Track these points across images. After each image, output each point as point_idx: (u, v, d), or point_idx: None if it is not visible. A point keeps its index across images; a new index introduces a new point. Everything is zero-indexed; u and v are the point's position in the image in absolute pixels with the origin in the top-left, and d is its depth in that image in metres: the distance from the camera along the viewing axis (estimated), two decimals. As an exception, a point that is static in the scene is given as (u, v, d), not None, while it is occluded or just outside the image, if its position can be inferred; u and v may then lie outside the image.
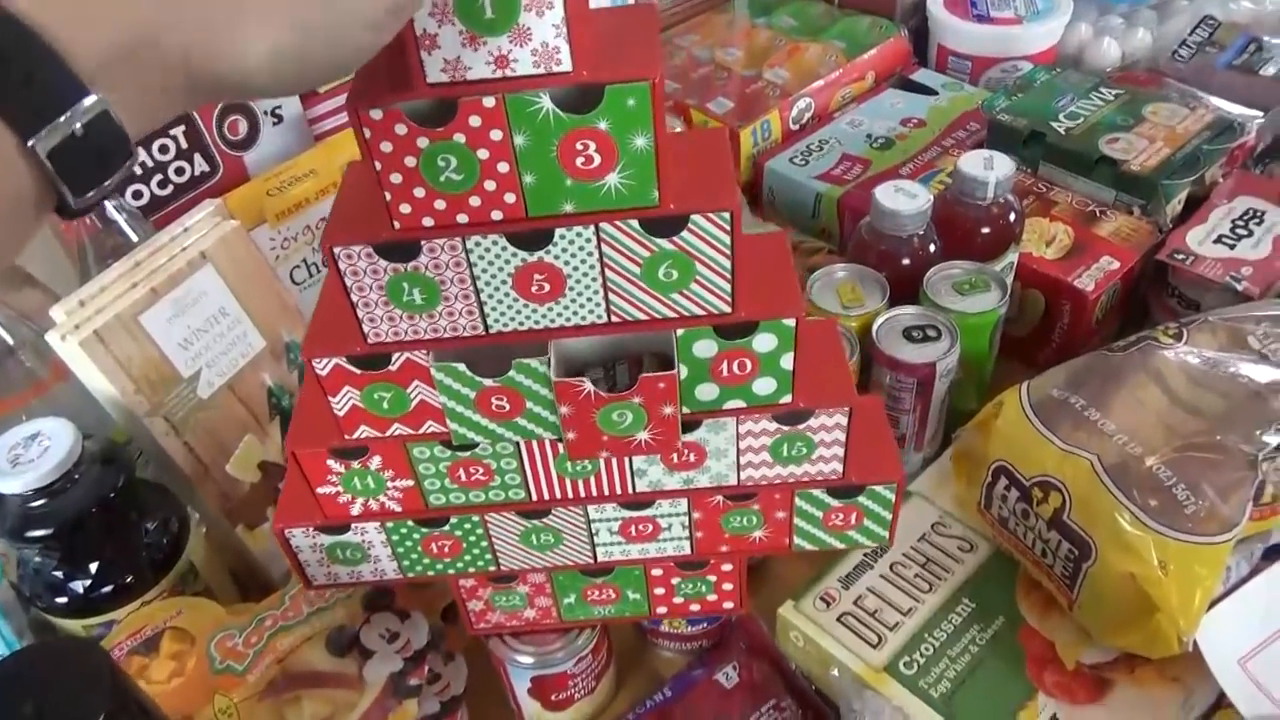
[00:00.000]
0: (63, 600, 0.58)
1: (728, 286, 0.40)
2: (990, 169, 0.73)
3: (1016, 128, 0.89)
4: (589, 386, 0.41)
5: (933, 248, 0.73)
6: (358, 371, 0.43)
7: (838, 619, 0.60)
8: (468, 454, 0.47)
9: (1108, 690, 0.55)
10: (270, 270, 0.71)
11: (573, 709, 0.62)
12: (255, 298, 0.69)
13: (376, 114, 0.35)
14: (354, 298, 0.40)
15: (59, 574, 0.57)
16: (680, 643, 0.65)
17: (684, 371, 0.43)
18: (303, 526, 0.50)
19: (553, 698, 0.61)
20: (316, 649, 0.57)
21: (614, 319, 0.41)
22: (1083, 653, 0.57)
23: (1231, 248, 0.78)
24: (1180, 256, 0.78)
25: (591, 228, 0.38)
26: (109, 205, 0.69)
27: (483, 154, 0.36)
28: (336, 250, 0.38)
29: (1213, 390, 0.59)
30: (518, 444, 0.46)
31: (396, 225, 0.38)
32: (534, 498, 0.49)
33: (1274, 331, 0.62)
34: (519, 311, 0.41)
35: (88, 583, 0.58)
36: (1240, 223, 0.80)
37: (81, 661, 0.41)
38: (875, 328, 0.68)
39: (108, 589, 0.58)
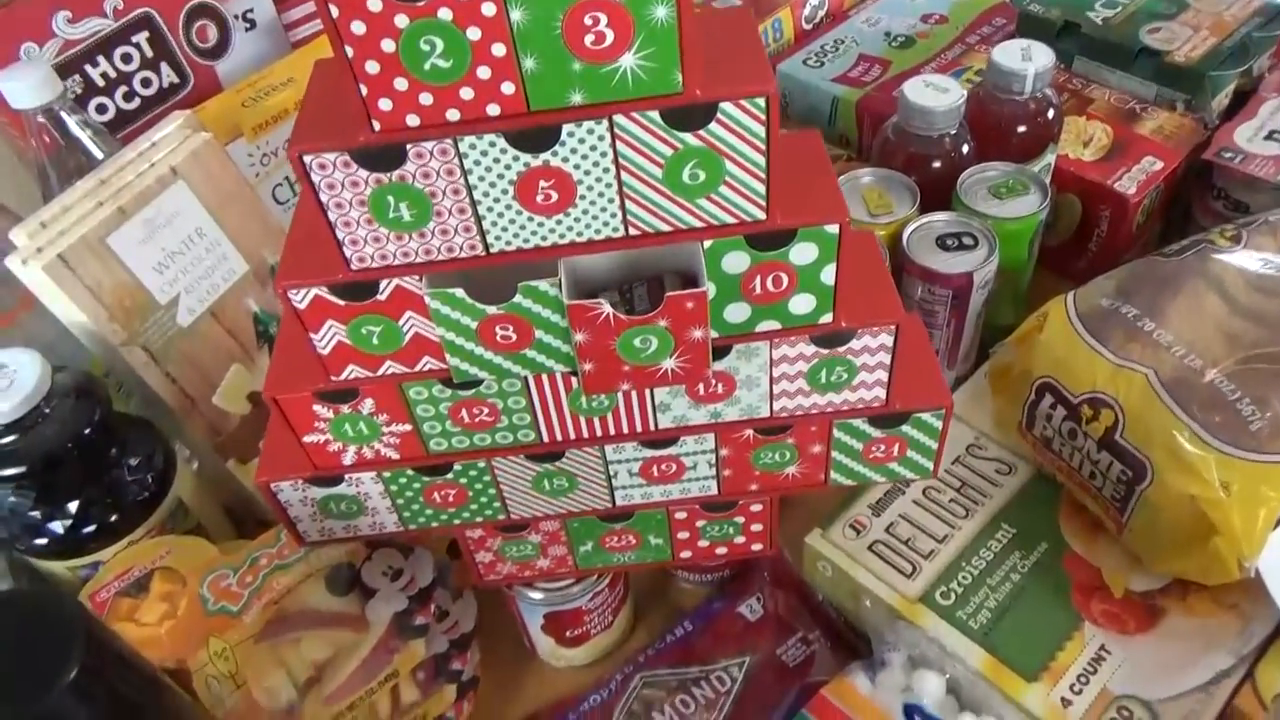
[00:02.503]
0: (42, 541, 0.54)
1: (762, 189, 0.35)
2: (1028, 60, 0.67)
3: (1049, 19, 0.82)
4: (607, 309, 0.36)
5: (965, 149, 0.68)
6: (341, 303, 0.38)
7: (868, 547, 0.57)
8: (470, 393, 0.42)
9: (1159, 619, 0.52)
10: (249, 187, 0.65)
11: (589, 644, 0.59)
12: (234, 217, 0.63)
13: (347, -11, 0.29)
14: (332, 216, 0.35)
15: (36, 514, 0.54)
16: (701, 574, 0.62)
17: (712, 290, 0.38)
18: (290, 479, 0.46)
19: (567, 634, 0.58)
20: (315, 588, 0.54)
21: (632, 231, 0.36)
22: (1132, 580, 0.54)
23: (1284, 143, 0.72)
24: (1228, 155, 0.72)
25: (604, 122, 0.33)
26: (72, 121, 0.63)
27: (474, 33, 0.30)
28: (307, 159, 0.33)
29: (1277, 295, 0.54)
30: (526, 379, 0.41)
31: (376, 126, 0.33)
32: (545, 439, 0.45)
33: (1342, 231, 0.57)
34: (523, 227, 0.36)
35: (68, 523, 0.54)
36: (1294, 116, 0.74)
37: (53, 612, 0.38)
38: (905, 237, 0.63)
39: (90, 529, 0.55)
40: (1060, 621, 0.52)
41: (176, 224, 0.60)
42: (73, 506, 0.54)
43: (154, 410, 0.62)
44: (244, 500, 0.67)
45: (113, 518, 0.56)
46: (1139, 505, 0.51)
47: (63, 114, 0.62)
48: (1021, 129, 0.69)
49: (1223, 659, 0.50)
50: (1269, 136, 0.73)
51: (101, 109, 0.70)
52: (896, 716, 0.50)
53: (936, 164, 0.67)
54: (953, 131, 0.67)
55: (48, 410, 0.52)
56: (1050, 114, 0.69)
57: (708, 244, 0.37)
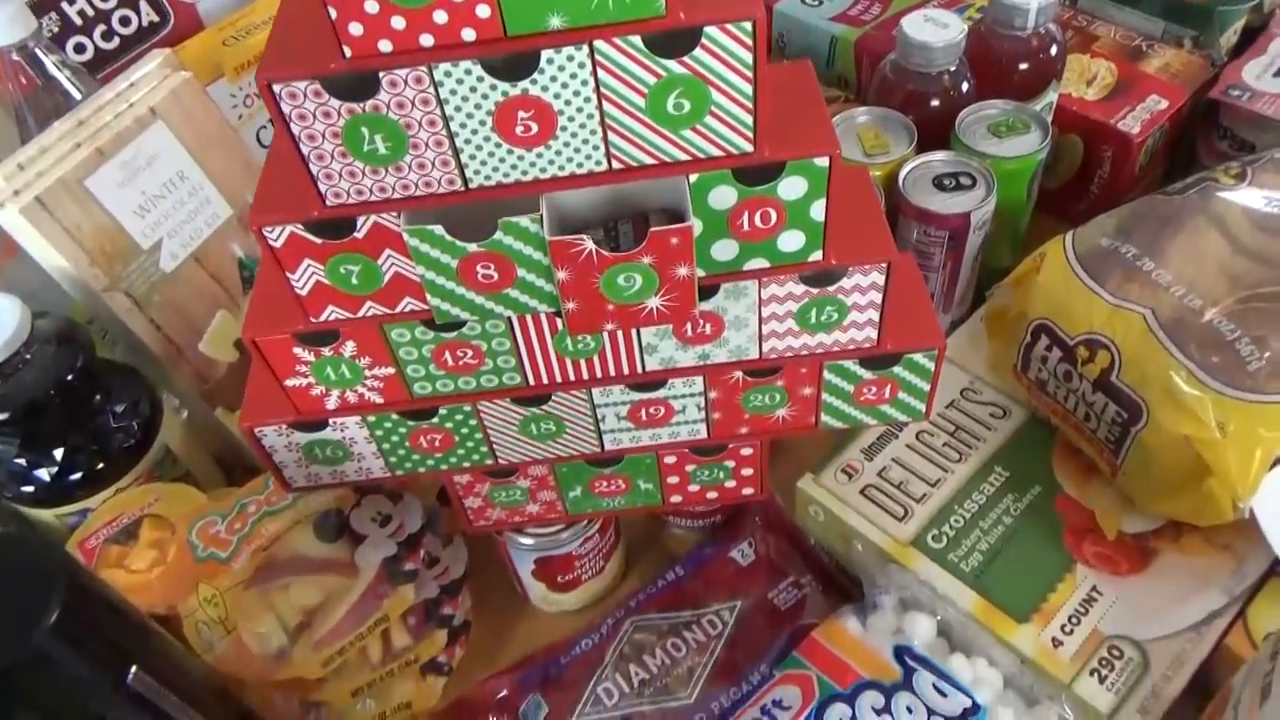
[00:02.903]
0: (29, 489, 0.54)
1: (749, 120, 0.34)
2: (1031, -7, 0.65)
3: (1054, -48, 0.80)
4: (590, 245, 0.35)
5: (965, 87, 0.66)
6: (318, 241, 0.37)
7: (860, 491, 0.56)
8: (454, 334, 0.41)
9: (1152, 560, 0.52)
10: (231, 129, 0.64)
11: (580, 589, 0.59)
12: (216, 160, 0.62)
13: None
14: (304, 149, 0.34)
15: (21, 461, 0.53)
16: (692, 520, 0.61)
17: (699, 226, 0.37)
18: (273, 424, 0.45)
19: (558, 579, 0.58)
20: (305, 535, 0.54)
21: (615, 165, 0.35)
22: (1125, 521, 0.53)
23: (1292, 81, 0.70)
24: (1236, 93, 0.70)
25: (584, 48, 0.32)
26: (49, 61, 0.61)
27: (447, -47, 0.29)
28: (276, 88, 0.32)
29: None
30: (510, 320, 0.41)
31: (347, 52, 0.31)
32: (531, 382, 0.44)
33: (1348, 169, 0.55)
34: (503, 160, 0.35)
35: (54, 470, 0.54)
36: (1304, 52, 0.72)
37: (34, 556, 0.37)
38: (902, 177, 0.62)
39: (76, 476, 0.54)
40: (1052, 564, 0.52)
41: (157, 166, 0.59)
42: (58, 454, 0.54)
43: (139, 358, 0.61)
44: (233, 448, 0.66)
45: (99, 465, 0.55)
46: (1133, 447, 0.51)
47: (39, 53, 0.60)
48: (1023, 66, 0.67)
49: (1215, 599, 0.50)
50: (1278, 73, 0.71)
51: (80, 48, 0.69)
52: (887, 658, 0.50)
53: (935, 102, 0.65)
54: (952, 68, 0.65)
55: (28, 356, 0.52)
56: (1053, 51, 0.67)
57: (693, 178, 0.36)
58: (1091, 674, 0.48)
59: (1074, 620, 0.50)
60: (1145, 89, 0.73)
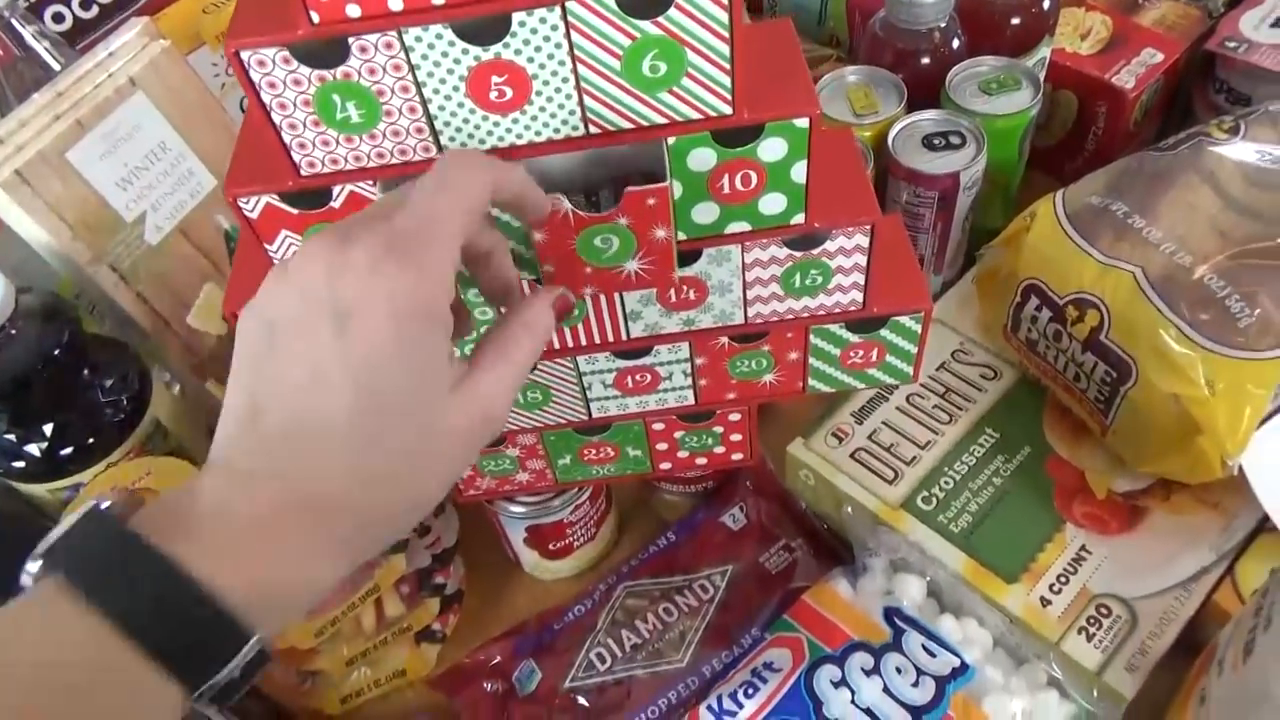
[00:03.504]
0: (20, 464, 0.54)
1: (727, 81, 0.33)
2: (1023, -53, 0.63)
3: (1049, -97, 0.78)
4: (566, 205, 0.35)
5: (956, 43, 0.65)
6: (294, 211, 0.37)
7: (851, 455, 0.56)
8: None
9: (1141, 519, 0.52)
10: (213, 99, 0.63)
11: (573, 557, 0.59)
12: (199, 130, 0.61)
13: None
14: (276, 118, 0.33)
15: (11, 437, 0.53)
16: (683, 485, 0.61)
17: (678, 189, 0.37)
18: None
19: (550, 546, 0.58)
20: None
21: (592, 129, 0.35)
22: (1115, 481, 0.53)
23: (1289, 32, 0.69)
24: (1232, 45, 0.69)
25: (556, 10, 0.31)
26: (27, 32, 0.61)
27: (412, -87, 0.28)
28: (244, 55, 0.31)
29: (1272, 189, 0.52)
30: None
31: (315, 18, 0.31)
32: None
33: (1343, 122, 0.55)
34: (477, 126, 0.34)
35: (44, 445, 0.54)
36: (1302, 2, 0.71)
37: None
38: (891, 137, 0.61)
39: (67, 451, 0.54)
40: (1041, 524, 0.52)
41: (138, 138, 0.58)
42: (47, 429, 0.54)
43: (128, 332, 0.61)
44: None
45: (89, 440, 0.55)
46: (1123, 406, 0.51)
47: (15, 23, 0.59)
48: (1015, 21, 0.66)
49: (1204, 556, 0.50)
50: (1276, 24, 0.70)
51: (58, 18, 0.68)
52: (877, 620, 0.50)
53: (925, 60, 0.64)
54: (942, 25, 0.64)
55: (13, 331, 0.51)
56: (1046, 5, 0.66)
57: (671, 140, 0.35)
58: (1079, 632, 0.48)
59: (1062, 579, 0.50)
60: (1140, 42, 0.71)
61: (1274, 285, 0.49)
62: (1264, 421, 0.49)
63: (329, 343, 0.29)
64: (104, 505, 0.28)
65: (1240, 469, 0.48)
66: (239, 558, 0.28)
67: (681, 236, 0.39)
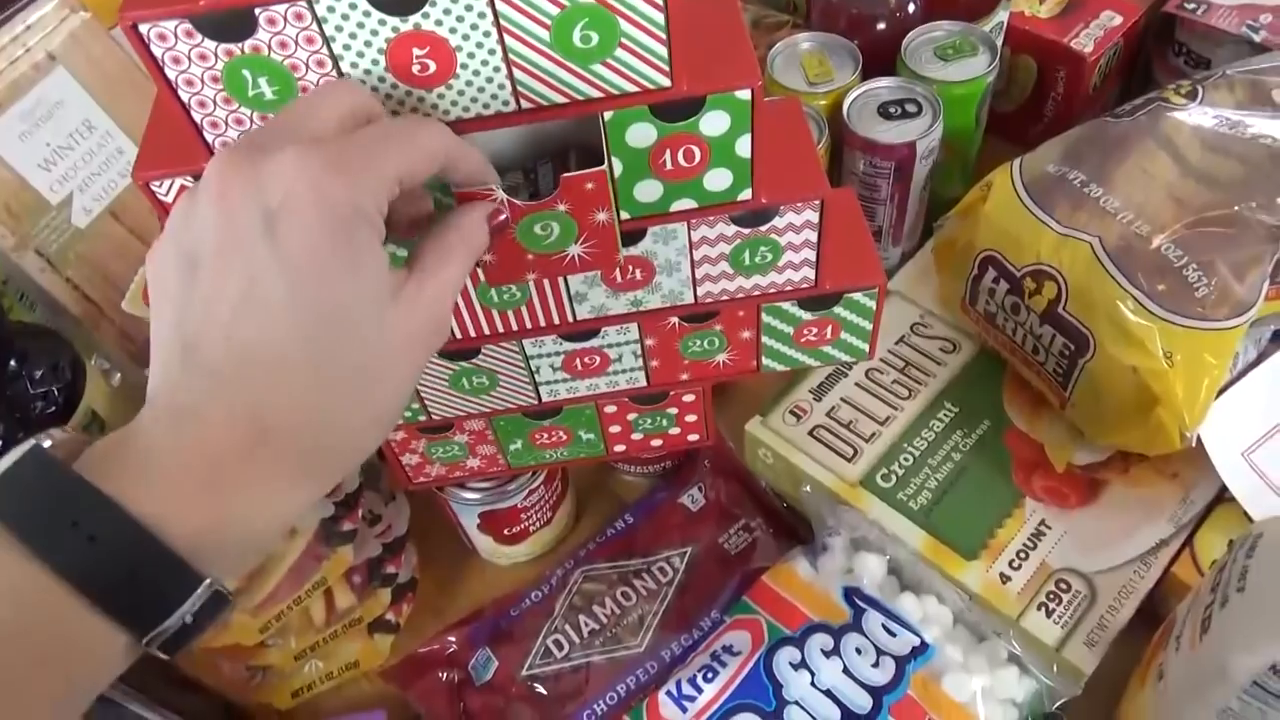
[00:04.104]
0: (-54, 463, 0.52)
1: (664, 51, 0.32)
2: (980, -93, 0.62)
3: None
4: (500, 195, 0.33)
5: (912, 8, 0.64)
6: None
7: (809, 433, 0.55)
8: None
9: (1100, 491, 0.52)
10: (141, 73, 0.60)
11: (529, 541, 0.58)
12: (126, 107, 0.59)
13: None
14: (184, 95, 0.31)
15: (-65, 434, 0.51)
16: (642, 466, 0.60)
17: (619, 167, 0.35)
18: None
19: (505, 532, 0.56)
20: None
21: (525, 105, 0.33)
22: (1074, 454, 0.53)
23: (1249, -8, 0.68)
24: (1191, 6, 0.68)
25: (477, -23, 0.29)
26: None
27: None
28: (143, 28, 0.29)
29: (1230, 155, 0.51)
30: None
31: (218, -14, 0.29)
32: (459, 335, 0.42)
33: (1301, 84, 0.54)
34: (401, 101, 0.32)
35: (-30, 441, 0.51)
36: (1261, -38, 0.70)
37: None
38: (847, 106, 0.60)
39: (-5, 447, 0.52)
40: (1001, 499, 0.52)
41: (60, 115, 0.55)
42: (-27, 423, 0.51)
43: (60, 320, 0.59)
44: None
45: (19, 433, 0.53)
46: (1081, 378, 0.50)
47: (-77, -4, 0.56)
48: (972, -16, 0.64)
49: (1162, 528, 0.50)
50: (1234, -15, 0.69)
51: (-27, -9, 0.64)
52: (837, 600, 0.49)
53: (881, 25, 0.63)
54: (898, -11, 0.62)
55: (-70, 323, 0.49)
56: (1003, -33, 0.65)
57: (609, 115, 0.33)
58: (1039, 608, 0.48)
59: (1022, 555, 0.49)
60: (1099, 4, 0.70)
61: (1231, 254, 0.48)
62: (1221, 392, 0.49)
63: (259, 249, 0.26)
64: (46, 444, 0.27)
65: (1199, 440, 0.48)
66: (187, 496, 0.26)
67: (625, 216, 0.37)
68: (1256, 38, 0.65)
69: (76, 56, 0.56)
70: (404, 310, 0.29)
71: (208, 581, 0.27)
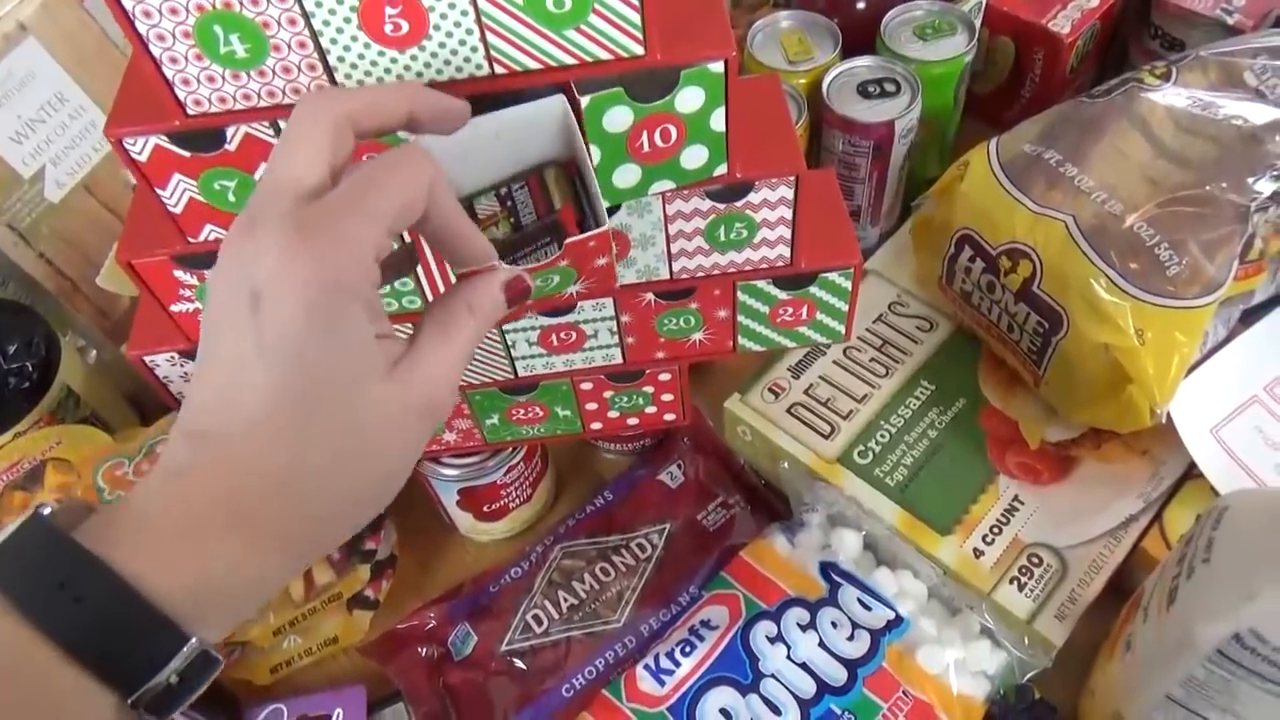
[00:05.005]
0: (-82, 439, 0.51)
1: (637, 18, 0.32)
2: (960, -112, 0.62)
3: None
4: (502, 274, 0.31)
5: (892, -12, 0.64)
6: (185, 154, 0.34)
7: (787, 410, 0.55)
8: None
9: (1073, 468, 0.52)
10: (114, 46, 0.59)
11: (508, 518, 0.58)
12: (99, 79, 0.58)
13: None
14: (155, 51, 0.31)
15: (-95, 410, 0.51)
16: (621, 443, 0.60)
17: (596, 154, 0.35)
18: (164, 352, 0.43)
19: (485, 509, 0.57)
20: (217, 475, 0.52)
21: (498, 69, 0.33)
22: (1047, 431, 0.53)
23: (1224, -24, 0.68)
24: (1166, -11, 0.69)
25: (451, -60, 0.29)
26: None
27: None
28: (110, -19, 0.29)
29: (1202, 135, 0.52)
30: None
31: (188, -57, 0.28)
32: None
33: (1273, 65, 0.54)
34: (374, 63, 0.32)
35: (-57, 418, 0.51)
36: (1236, -54, 0.70)
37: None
38: (826, 84, 0.60)
39: (-33, 422, 0.52)
40: (975, 475, 0.52)
41: (32, 87, 0.55)
42: (-55, 398, 0.51)
43: (33, 295, 0.58)
44: (147, 387, 0.64)
45: (-7, 410, 0.53)
46: (1055, 356, 0.50)
47: (-109, -34, 0.55)
48: (951, -36, 0.65)
49: (1132, 504, 0.51)
50: (1209, -31, 0.69)
51: (-57, -38, 0.63)
52: (813, 575, 0.50)
53: (860, 4, 0.63)
54: (878, -32, 0.62)
55: (-100, 296, 0.48)
56: (982, -52, 0.65)
57: (585, 101, 0.33)
58: (1011, 582, 0.48)
59: (995, 530, 0.50)
60: (1077, -13, 0.71)
61: (1201, 233, 0.48)
62: (1191, 370, 0.49)
63: (246, 329, 0.26)
64: (46, 510, 0.27)
65: (1169, 417, 0.48)
66: (172, 559, 0.26)
67: (605, 204, 0.37)
68: (1230, 20, 0.65)
69: (48, 27, 0.55)
70: (396, 388, 0.28)
71: (193, 641, 0.26)
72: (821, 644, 0.47)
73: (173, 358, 0.44)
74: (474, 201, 0.34)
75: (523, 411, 0.50)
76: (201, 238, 0.38)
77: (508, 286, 0.31)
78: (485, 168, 0.34)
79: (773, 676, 0.46)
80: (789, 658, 0.47)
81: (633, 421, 0.52)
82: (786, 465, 0.54)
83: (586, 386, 0.48)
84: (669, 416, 0.52)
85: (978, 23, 0.66)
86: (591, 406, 0.50)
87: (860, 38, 0.62)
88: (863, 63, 0.61)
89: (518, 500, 0.57)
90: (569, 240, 0.33)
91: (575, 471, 0.63)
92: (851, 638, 0.47)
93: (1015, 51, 0.70)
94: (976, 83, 0.70)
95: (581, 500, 0.59)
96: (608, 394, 0.49)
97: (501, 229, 0.33)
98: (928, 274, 0.58)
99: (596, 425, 0.52)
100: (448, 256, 0.31)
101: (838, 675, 0.46)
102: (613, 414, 0.51)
